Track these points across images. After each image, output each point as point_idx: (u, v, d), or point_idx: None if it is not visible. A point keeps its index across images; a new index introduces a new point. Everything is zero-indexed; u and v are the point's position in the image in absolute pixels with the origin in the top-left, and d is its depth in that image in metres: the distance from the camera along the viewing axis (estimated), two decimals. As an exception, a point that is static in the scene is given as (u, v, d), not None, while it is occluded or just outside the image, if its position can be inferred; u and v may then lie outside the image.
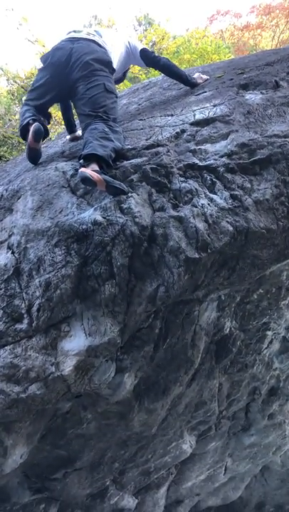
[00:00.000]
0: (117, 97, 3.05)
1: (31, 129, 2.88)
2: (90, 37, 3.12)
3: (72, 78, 2.94)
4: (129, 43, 3.47)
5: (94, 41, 3.10)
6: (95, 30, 3.25)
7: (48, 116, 3.22)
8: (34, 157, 3.16)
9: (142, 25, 18.25)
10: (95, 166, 2.51)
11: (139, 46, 3.50)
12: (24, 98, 3.33)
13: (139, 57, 3.51)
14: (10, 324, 2.50)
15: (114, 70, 3.16)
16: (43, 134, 2.97)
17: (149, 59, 3.52)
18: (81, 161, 2.58)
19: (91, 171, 2.43)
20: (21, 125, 3.00)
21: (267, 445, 4.99)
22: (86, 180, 2.43)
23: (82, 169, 2.46)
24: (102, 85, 2.89)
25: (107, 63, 3.05)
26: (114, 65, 3.20)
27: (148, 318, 2.84)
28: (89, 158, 2.55)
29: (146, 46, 3.65)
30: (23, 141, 7.50)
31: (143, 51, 3.49)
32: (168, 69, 3.57)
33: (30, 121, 2.92)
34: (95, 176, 2.41)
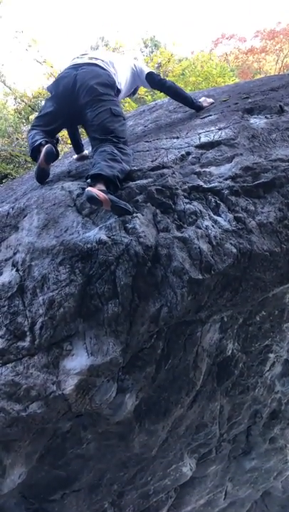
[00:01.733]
0: (124, 119, 3.11)
1: (43, 150, 2.94)
2: (93, 61, 3.21)
3: (79, 104, 3.02)
4: (134, 65, 3.56)
5: (97, 65, 3.17)
6: (97, 58, 3.30)
7: (56, 141, 3.29)
8: (42, 177, 3.22)
9: (148, 47, 18.62)
10: (102, 186, 2.55)
11: (146, 70, 3.58)
12: (32, 123, 3.41)
13: (144, 80, 3.59)
14: (12, 342, 2.50)
15: (119, 90, 3.24)
16: (54, 156, 3.04)
17: (155, 82, 3.61)
18: (88, 180, 2.63)
19: (97, 191, 2.47)
20: (32, 146, 3.05)
21: (268, 470, 4.91)
22: (92, 199, 2.47)
23: (89, 188, 2.51)
24: (108, 110, 2.95)
25: (112, 86, 3.12)
26: (121, 86, 3.28)
27: (150, 339, 2.83)
28: (96, 178, 2.60)
29: (152, 70, 3.74)
30: (30, 160, 7.61)
31: (149, 75, 3.57)
32: (174, 92, 3.65)
33: (43, 143, 2.98)
34: (101, 195, 2.45)
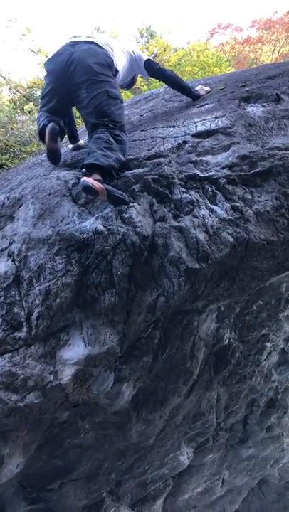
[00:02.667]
0: (122, 102, 3.02)
1: (47, 130, 2.91)
2: (90, 39, 3.11)
3: (75, 83, 2.93)
4: (133, 51, 3.48)
5: (94, 43, 3.08)
6: (94, 37, 3.20)
7: (64, 117, 3.23)
8: (54, 157, 3.16)
9: (144, 37, 18.43)
10: (98, 176, 2.52)
11: (144, 57, 3.52)
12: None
13: (143, 67, 3.53)
14: (9, 332, 2.49)
15: (117, 71, 3.16)
16: (58, 133, 2.97)
17: (154, 70, 3.55)
18: (83, 170, 2.59)
19: (93, 180, 2.44)
20: (39, 130, 3.04)
21: (264, 458, 4.95)
22: (88, 189, 2.43)
23: (85, 178, 2.47)
24: (105, 92, 2.87)
25: (109, 66, 3.03)
26: (118, 69, 3.20)
27: (147, 328, 2.83)
28: (91, 168, 2.56)
29: (150, 57, 3.68)
30: (26, 150, 7.56)
31: (148, 62, 3.52)
32: (173, 81, 3.61)
33: (46, 123, 2.94)
34: (97, 185, 2.42)
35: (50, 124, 2.91)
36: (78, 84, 2.91)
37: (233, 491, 5.26)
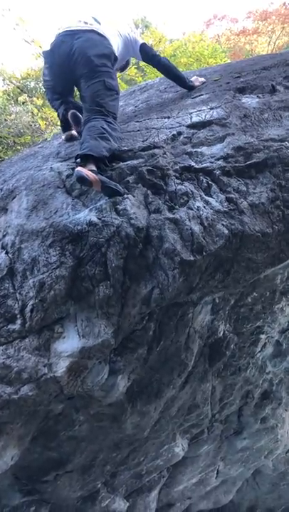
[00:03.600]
0: (117, 93, 3.02)
1: (69, 118, 3.15)
2: (89, 27, 3.08)
3: (76, 75, 2.96)
4: (128, 34, 3.42)
5: (94, 31, 3.06)
6: (93, 18, 3.21)
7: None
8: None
9: (138, 28, 18.27)
10: (92, 166, 2.51)
11: (140, 40, 3.46)
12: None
13: (138, 51, 3.46)
14: (3, 325, 2.48)
15: (116, 58, 3.15)
16: (79, 116, 3.13)
17: (149, 55, 3.49)
18: (78, 160, 2.57)
19: (87, 171, 2.42)
20: (61, 119, 3.38)
21: (259, 449, 4.98)
22: (82, 179, 2.42)
23: (79, 168, 2.45)
24: (102, 82, 2.88)
25: (109, 55, 3.02)
26: (116, 53, 3.18)
27: (142, 320, 2.83)
28: (85, 158, 2.55)
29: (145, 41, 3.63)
30: (19, 141, 7.49)
31: (143, 46, 3.45)
32: (168, 69, 3.56)
33: (64, 113, 3.18)
34: (91, 175, 2.41)
35: (70, 112, 3.13)
36: (79, 76, 2.95)
37: (228, 482, 5.31)
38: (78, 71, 2.93)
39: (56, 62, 3.03)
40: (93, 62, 2.90)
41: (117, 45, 3.25)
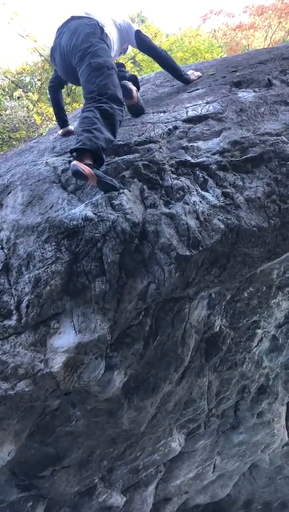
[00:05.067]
0: (109, 68, 2.82)
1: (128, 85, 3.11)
2: (72, 15, 3.09)
3: (74, 67, 2.95)
4: (123, 20, 3.37)
5: (74, 18, 3.05)
6: (85, 12, 3.14)
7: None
8: (137, 113, 3.29)
9: (134, 23, 18.20)
10: (88, 160, 2.45)
11: (134, 26, 3.43)
12: None
13: (133, 38, 3.39)
14: (-2, 320, 2.47)
15: (103, 30, 3.02)
16: (131, 90, 3.12)
17: (145, 43, 3.44)
18: (74, 154, 2.51)
19: (83, 165, 2.37)
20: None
21: (255, 443, 5.00)
22: (77, 174, 2.37)
23: (75, 162, 2.39)
24: (88, 66, 2.79)
25: (92, 31, 2.93)
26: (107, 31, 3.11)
27: (138, 316, 2.82)
28: (80, 152, 2.47)
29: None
30: (14, 136, 7.46)
31: (138, 33, 3.39)
32: (165, 60, 3.53)
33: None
34: (87, 170, 2.36)
35: (122, 82, 3.07)
36: (76, 67, 2.93)
37: (225, 476, 5.33)
38: (73, 63, 2.92)
39: (58, 66, 3.12)
40: (78, 46, 2.85)
41: (113, 34, 3.21)
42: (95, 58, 2.80)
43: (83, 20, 2.99)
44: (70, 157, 2.76)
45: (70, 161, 2.70)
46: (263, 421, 4.83)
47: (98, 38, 2.92)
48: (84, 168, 2.36)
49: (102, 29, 3.02)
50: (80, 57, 2.83)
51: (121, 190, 2.57)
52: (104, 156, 2.57)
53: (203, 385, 3.82)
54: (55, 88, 3.55)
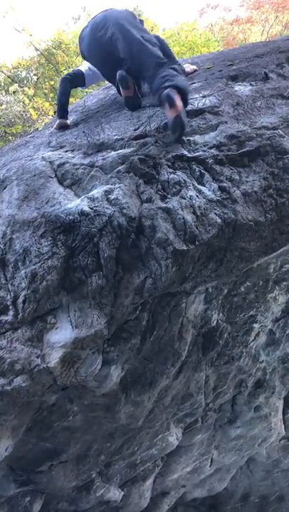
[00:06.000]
0: None
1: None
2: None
3: None
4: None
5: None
6: None
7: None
8: (133, 106, 3.32)
9: (131, 17, 18.05)
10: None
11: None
12: None
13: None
14: (-5, 316, 2.46)
15: None
16: (126, 79, 3.17)
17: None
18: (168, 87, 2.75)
19: (178, 99, 2.68)
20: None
21: (253, 437, 5.02)
22: (170, 98, 2.67)
23: (173, 91, 2.70)
24: None
25: None
26: None
27: (135, 311, 2.82)
28: (179, 90, 2.75)
29: None
30: (10, 131, 7.43)
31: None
32: (162, 44, 3.44)
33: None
34: (179, 102, 2.67)
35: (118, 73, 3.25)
36: None
37: (222, 470, 5.35)
38: None
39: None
40: None
41: None
42: None
43: None
44: (71, 152, 2.77)
45: (61, 158, 2.71)
46: (260, 415, 4.84)
47: None
48: (178, 99, 2.68)
49: None
50: None
51: (117, 185, 2.56)
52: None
53: (201, 380, 3.83)
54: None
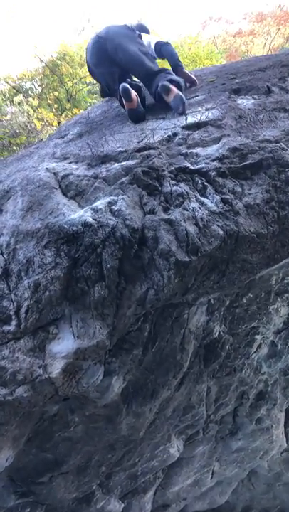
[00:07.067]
0: None
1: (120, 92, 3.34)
2: None
3: None
4: None
5: None
6: None
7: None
8: (137, 118, 3.37)
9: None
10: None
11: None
12: None
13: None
14: (-2, 326, 2.47)
15: None
16: (129, 91, 3.27)
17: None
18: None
19: (173, 86, 3.22)
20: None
21: (254, 449, 4.99)
22: (165, 87, 3.23)
23: (166, 82, 3.26)
24: None
25: None
26: None
27: (137, 321, 2.82)
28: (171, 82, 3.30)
29: None
30: (15, 142, 7.48)
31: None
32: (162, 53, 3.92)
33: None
34: (173, 88, 3.21)
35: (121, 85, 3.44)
36: None
37: (223, 483, 5.31)
38: None
39: None
40: None
41: None
42: None
43: None
44: (69, 163, 2.80)
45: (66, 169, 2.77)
46: (261, 427, 4.82)
47: None
48: (172, 86, 3.23)
49: None
50: None
51: (120, 196, 2.58)
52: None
53: (202, 391, 3.82)
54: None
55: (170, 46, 3.92)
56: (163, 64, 4.21)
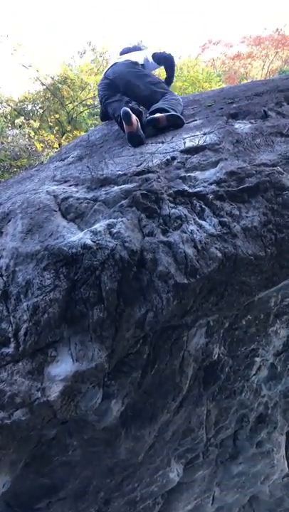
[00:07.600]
0: None
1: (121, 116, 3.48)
2: None
3: None
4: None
5: None
6: None
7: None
8: (136, 142, 3.46)
9: (135, 53, 18.55)
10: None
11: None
12: None
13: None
14: (-4, 348, 2.46)
15: None
16: (129, 115, 3.39)
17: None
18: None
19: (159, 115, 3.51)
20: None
21: (255, 474, 4.90)
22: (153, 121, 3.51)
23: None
24: None
25: None
26: None
27: (136, 344, 2.82)
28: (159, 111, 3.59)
29: None
30: (15, 164, 7.56)
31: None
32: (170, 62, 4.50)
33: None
34: (160, 115, 3.48)
35: (122, 109, 3.62)
36: None
37: (224, 508, 5.20)
38: None
39: None
40: None
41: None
42: None
43: None
44: (69, 185, 2.84)
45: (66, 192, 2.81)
46: (262, 451, 4.74)
47: None
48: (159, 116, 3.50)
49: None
50: None
51: (119, 219, 2.60)
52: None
53: (202, 414, 3.78)
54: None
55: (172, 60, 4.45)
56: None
